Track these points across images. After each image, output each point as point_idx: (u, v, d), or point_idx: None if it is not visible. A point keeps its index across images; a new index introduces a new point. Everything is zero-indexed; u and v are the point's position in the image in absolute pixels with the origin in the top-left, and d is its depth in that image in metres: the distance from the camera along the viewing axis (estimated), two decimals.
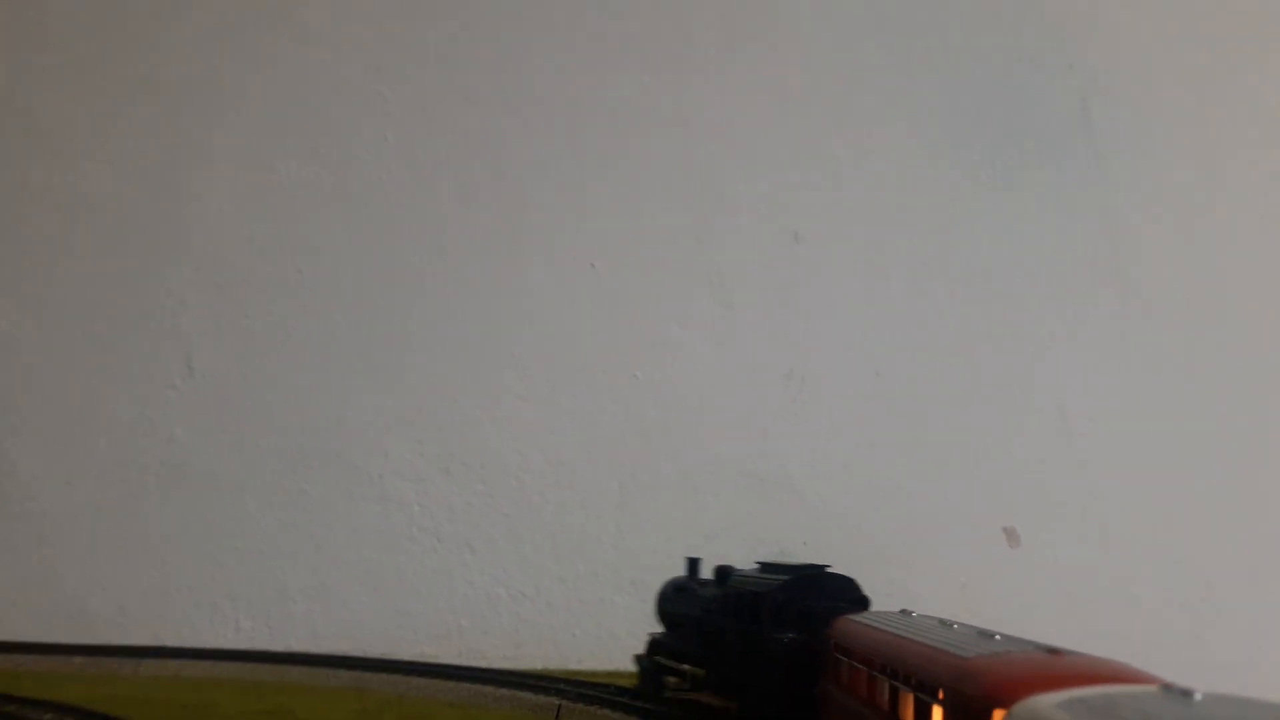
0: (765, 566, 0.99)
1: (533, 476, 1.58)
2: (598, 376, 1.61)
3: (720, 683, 0.94)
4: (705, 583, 1.05)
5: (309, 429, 1.59)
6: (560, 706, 1.15)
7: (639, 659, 1.12)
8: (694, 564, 1.11)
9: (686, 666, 0.99)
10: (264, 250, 1.63)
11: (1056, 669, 0.48)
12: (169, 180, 1.64)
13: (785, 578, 0.90)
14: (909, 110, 1.68)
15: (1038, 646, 0.55)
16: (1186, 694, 0.34)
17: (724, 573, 1.00)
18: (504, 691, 1.25)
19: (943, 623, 0.70)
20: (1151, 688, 0.37)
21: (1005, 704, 0.42)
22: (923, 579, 1.59)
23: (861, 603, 0.89)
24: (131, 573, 1.56)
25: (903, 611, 0.82)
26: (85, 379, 1.59)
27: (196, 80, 1.64)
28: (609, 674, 1.36)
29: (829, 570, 0.91)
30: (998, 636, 0.61)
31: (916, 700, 0.57)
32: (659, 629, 1.14)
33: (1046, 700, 0.37)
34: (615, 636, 1.49)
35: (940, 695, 0.53)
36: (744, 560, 1.12)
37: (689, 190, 1.65)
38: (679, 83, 1.65)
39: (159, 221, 1.63)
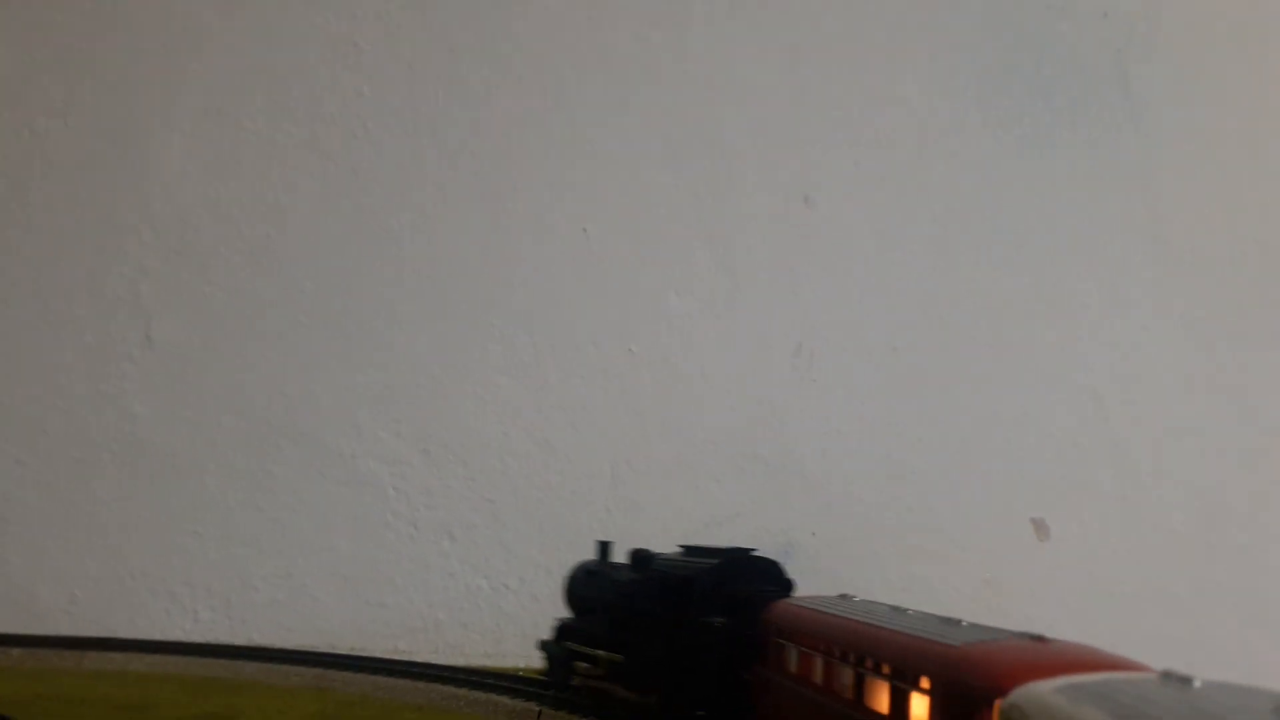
0: (689, 550, 0.96)
1: (518, 459, 1.45)
2: (589, 350, 1.48)
3: (639, 669, 0.90)
4: (619, 566, 1.01)
5: (276, 405, 1.47)
6: (540, 713, 1.03)
7: (545, 645, 1.05)
8: (605, 547, 1.06)
9: (601, 652, 0.94)
10: (229, 213, 1.51)
11: (1051, 657, 0.47)
12: (127, 137, 1.52)
13: (714, 561, 0.87)
14: (930, 63, 1.54)
15: (1017, 634, 0.53)
16: (1186, 681, 0.33)
17: (642, 556, 0.95)
18: (478, 695, 1.12)
19: (895, 608, 0.68)
20: (1151, 675, 0.36)
21: (1006, 693, 0.41)
22: (943, 574, 1.46)
23: (786, 586, 0.88)
24: (83, 558, 1.44)
25: (842, 596, 0.80)
26: (36, 351, 1.48)
27: (156, 28, 1.52)
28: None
29: (755, 553, 0.89)
30: (964, 623, 0.59)
31: (894, 689, 0.54)
32: (565, 616, 1.09)
33: (1045, 686, 0.36)
34: None
35: (925, 684, 0.51)
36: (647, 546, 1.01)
37: (689, 148, 1.51)
38: (679, 29, 1.52)
39: (116, 182, 1.52)
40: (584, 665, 0.97)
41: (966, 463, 1.49)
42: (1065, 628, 1.42)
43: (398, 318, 1.48)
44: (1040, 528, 1.49)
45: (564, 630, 1.04)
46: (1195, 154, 1.55)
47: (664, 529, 1.40)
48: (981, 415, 1.50)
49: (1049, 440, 1.50)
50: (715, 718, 0.84)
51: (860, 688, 0.60)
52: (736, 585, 0.85)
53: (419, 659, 1.32)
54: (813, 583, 1.48)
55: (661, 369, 1.48)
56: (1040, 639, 0.51)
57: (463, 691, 1.14)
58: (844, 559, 1.45)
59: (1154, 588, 1.48)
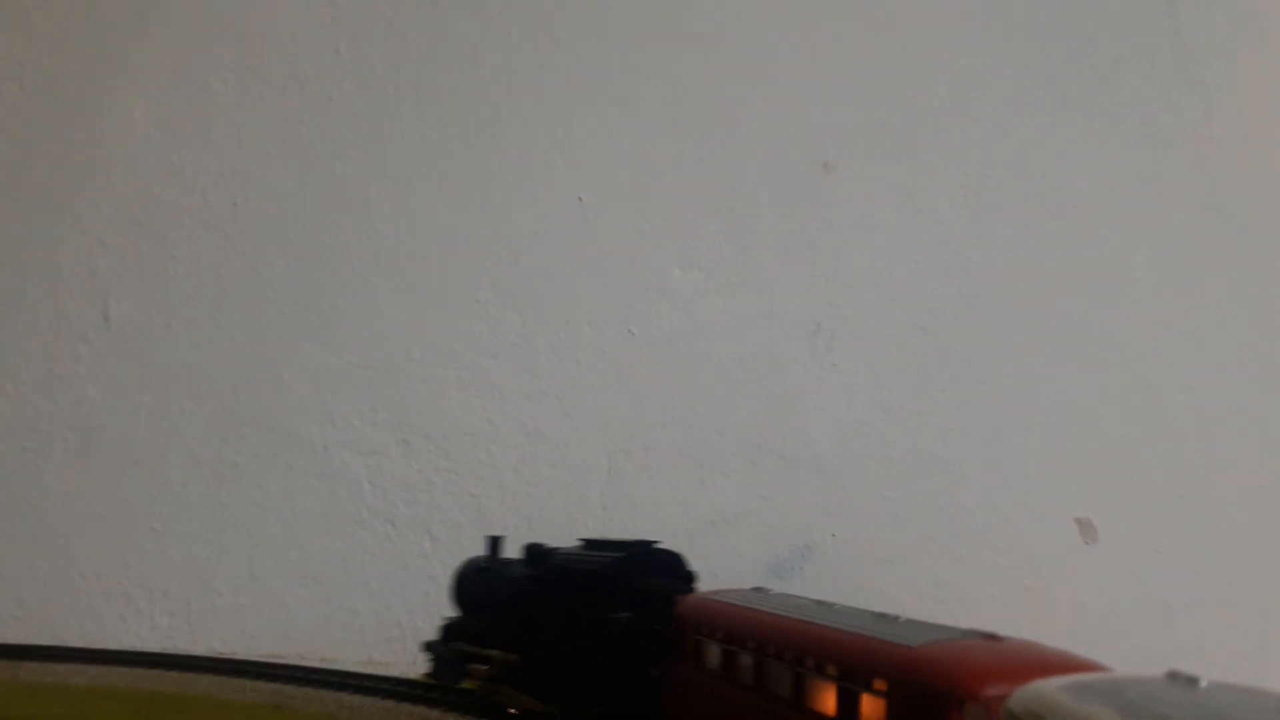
0: (589, 543, 0.94)
1: (505, 450, 1.32)
2: (584, 331, 1.35)
3: (539, 668, 0.88)
4: (512, 562, 0.98)
5: (242, 390, 1.34)
6: None
7: (431, 645, 1.01)
8: (496, 542, 1.02)
9: (495, 652, 0.92)
10: (194, 181, 1.39)
11: (1011, 657, 0.47)
12: (84, 100, 1.40)
13: (616, 554, 0.84)
14: (961, 14, 1.39)
15: (966, 632, 0.52)
16: (1192, 681, 0.33)
17: (537, 551, 0.94)
18: (453, 718, 0.99)
19: (820, 603, 0.67)
20: (1158, 674, 0.35)
21: (973, 697, 0.41)
22: (978, 580, 1.31)
23: (689, 579, 0.85)
24: (31, 558, 1.32)
25: (755, 589, 0.77)
26: None
27: None
28: None
29: (658, 545, 0.86)
30: (902, 619, 0.57)
31: (842, 690, 0.52)
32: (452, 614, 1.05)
33: (1049, 686, 0.34)
34: None
35: (880, 686, 0.49)
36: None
37: (695, 109, 1.38)
38: None
39: (72, 148, 1.40)
40: (477, 666, 0.93)
41: (1003, 456, 1.34)
42: (1115, 640, 1.26)
43: (375, 295, 1.35)
44: (1086, 528, 1.34)
45: (452, 630, 1.00)
46: (1256, 111, 1.39)
47: (666, 527, 1.27)
48: (1020, 404, 1.35)
49: (1095, 432, 1.35)
50: (620, 717, 0.80)
51: (800, 688, 0.56)
52: (641, 579, 0.82)
53: (393, 673, 1.18)
54: (832, 590, 1.33)
55: (664, 351, 1.34)
56: (993, 637, 0.50)
57: (436, 714, 1.00)
58: (866, 563, 1.31)
59: (1214, 596, 1.33)
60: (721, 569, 1.30)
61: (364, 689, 1.08)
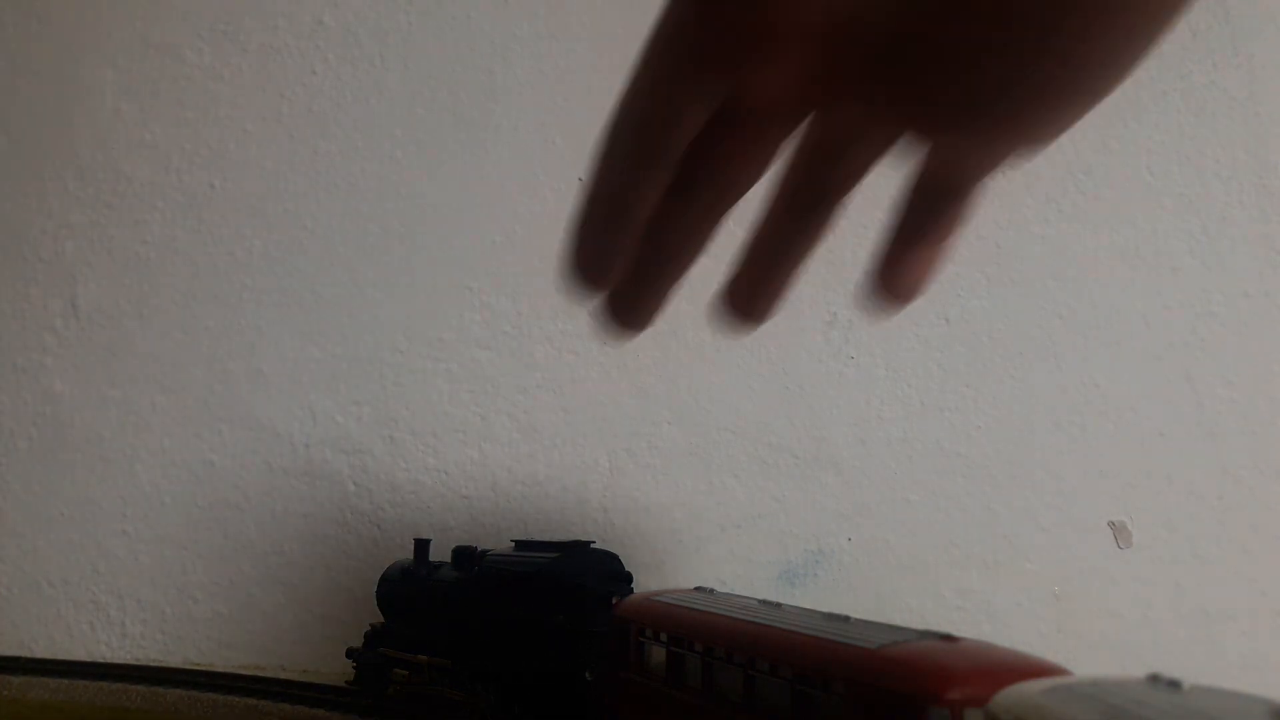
0: (521, 545, 0.91)
1: (498, 448, 1.23)
2: (583, 320, 1.26)
3: (469, 673, 0.86)
4: (440, 566, 0.96)
5: (218, 384, 1.25)
6: None
7: (355, 653, 0.98)
8: (423, 546, 1.00)
9: (423, 658, 0.90)
10: (168, 160, 1.30)
11: (972, 658, 0.45)
12: (50, 71, 1.31)
13: (550, 555, 0.82)
14: None
15: (922, 632, 0.50)
16: (1174, 684, 0.33)
17: (465, 554, 0.91)
18: None
19: (766, 603, 0.65)
20: (1139, 678, 0.35)
21: (937, 700, 0.41)
22: (1004, 587, 1.22)
23: (627, 580, 0.83)
24: None
25: (698, 589, 0.75)
26: None
27: None
28: None
29: (594, 546, 0.84)
30: (852, 619, 0.57)
31: (796, 693, 0.51)
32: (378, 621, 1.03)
33: (1030, 690, 0.34)
34: None
35: (838, 689, 0.48)
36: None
37: None
38: None
39: (37, 123, 1.31)
40: (401, 672, 0.90)
41: (1032, 455, 1.25)
42: (1149, 650, 1.16)
43: (359, 282, 1.27)
44: (1120, 532, 1.25)
45: (376, 636, 0.98)
46: None
47: (671, 531, 1.18)
48: (1050, 399, 1.26)
49: (1131, 429, 1.26)
50: None
51: (752, 691, 0.55)
52: (577, 580, 0.80)
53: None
54: (847, 597, 1.25)
55: (669, 342, 1.25)
56: (949, 638, 0.49)
57: None
58: (884, 569, 1.23)
59: (1258, 605, 1.24)
60: (731, 575, 1.21)
61: (342, 705, 1.00)
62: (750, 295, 0.46)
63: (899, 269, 0.44)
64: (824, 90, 0.36)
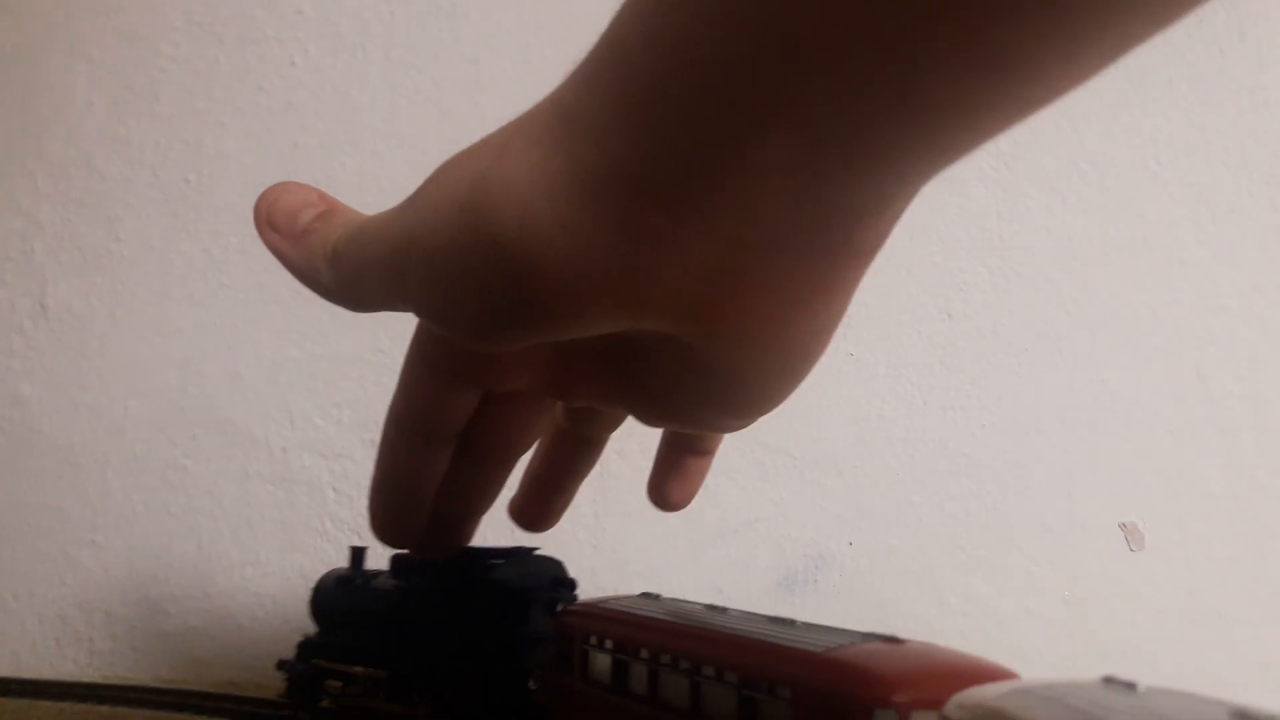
0: (463, 551, 0.88)
1: None
2: None
3: (408, 683, 0.83)
4: (376, 574, 0.92)
5: (192, 387, 1.20)
6: None
7: (286, 665, 0.94)
8: (359, 553, 0.95)
9: (359, 669, 0.87)
10: (141, 154, 1.25)
11: (922, 661, 0.45)
12: (21, 63, 1.27)
13: (494, 562, 0.81)
14: None
15: (867, 635, 0.50)
16: (1130, 686, 0.33)
17: (405, 561, 0.88)
18: None
19: (712, 607, 0.65)
20: (1094, 680, 0.35)
21: (884, 703, 0.40)
22: (1012, 591, 1.18)
23: (571, 586, 0.82)
24: None
25: (644, 594, 0.74)
26: None
27: None
28: None
29: (537, 552, 0.83)
30: (799, 623, 0.56)
31: (743, 698, 0.50)
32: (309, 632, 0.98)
33: (988, 693, 0.34)
34: None
35: (785, 694, 0.47)
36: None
37: None
38: None
39: (7, 117, 1.26)
40: (336, 684, 0.87)
41: (1040, 455, 1.21)
42: (1164, 656, 1.10)
43: None
44: (1132, 534, 1.21)
45: (310, 647, 0.94)
46: None
47: (666, 537, 1.14)
48: (1058, 397, 1.22)
49: (1142, 428, 1.22)
50: None
51: (698, 697, 0.55)
52: (520, 587, 0.79)
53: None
54: (849, 604, 1.19)
55: None
56: (895, 639, 0.49)
57: None
58: (887, 574, 1.18)
59: (1274, 608, 1.20)
60: (728, 582, 1.16)
61: None
62: (527, 512, 0.65)
63: (665, 485, 0.65)
64: (560, 387, 0.49)
